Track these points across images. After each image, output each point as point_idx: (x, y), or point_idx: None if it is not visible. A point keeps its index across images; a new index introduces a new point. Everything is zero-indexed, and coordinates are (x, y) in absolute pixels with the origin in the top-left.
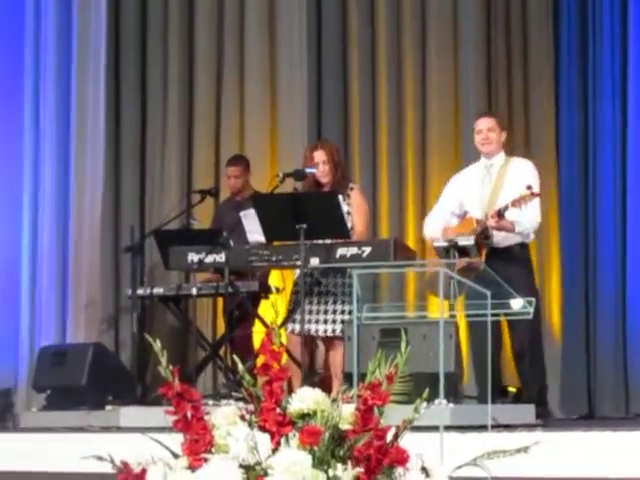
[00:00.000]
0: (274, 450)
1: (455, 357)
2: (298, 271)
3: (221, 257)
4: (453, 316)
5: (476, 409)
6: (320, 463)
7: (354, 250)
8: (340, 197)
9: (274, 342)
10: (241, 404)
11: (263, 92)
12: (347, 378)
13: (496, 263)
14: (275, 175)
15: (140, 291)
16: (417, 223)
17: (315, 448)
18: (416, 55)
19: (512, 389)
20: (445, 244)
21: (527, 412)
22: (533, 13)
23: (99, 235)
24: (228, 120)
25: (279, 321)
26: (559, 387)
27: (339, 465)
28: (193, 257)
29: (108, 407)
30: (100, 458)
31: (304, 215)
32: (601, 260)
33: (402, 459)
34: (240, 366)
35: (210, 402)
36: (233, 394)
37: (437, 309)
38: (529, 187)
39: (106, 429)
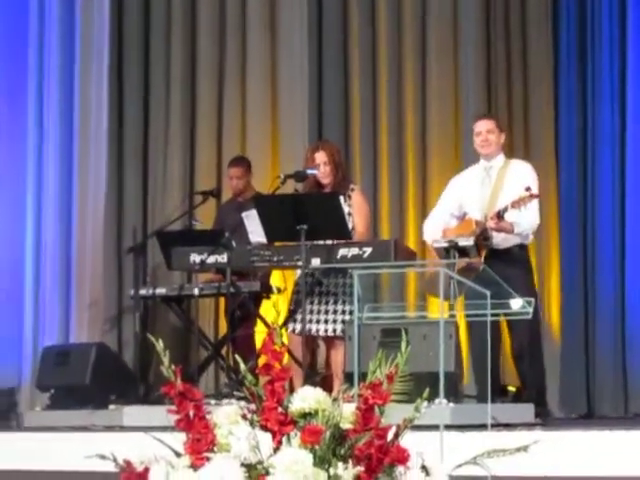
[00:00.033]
0: (276, 449)
1: (455, 357)
2: (299, 271)
3: (223, 257)
4: (453, 316)
5: (476, 408)
6: (321, 462)
7: (355, 251)
8: (341, 198)
9: (275, 342)
10: (243, 403)
11: (264, 94)
12: (348, 378)
13: (495, 264)
14: (276, 176)
15: (143, 291)
16: (417, 224)
17: (316, 447)
18: (416, 57)
19: (512, 389)
20: (445, 244)
21: (526, 411)
22: (532, 15)
23: (102, 236)
24: (230, 121)
25: (280, 321)
26: (558, 387)
27: (340, 464)
28: (195, 258)
29: (111, 406)
30: (103, 457)
31: (305, 216)
32: (600, 261)
33: (403, 458)
34: (242, 366)
35: (212, 401)
36: (235, 393)
37: (437, 309)
38: (528, 189)
39: (109, 428)
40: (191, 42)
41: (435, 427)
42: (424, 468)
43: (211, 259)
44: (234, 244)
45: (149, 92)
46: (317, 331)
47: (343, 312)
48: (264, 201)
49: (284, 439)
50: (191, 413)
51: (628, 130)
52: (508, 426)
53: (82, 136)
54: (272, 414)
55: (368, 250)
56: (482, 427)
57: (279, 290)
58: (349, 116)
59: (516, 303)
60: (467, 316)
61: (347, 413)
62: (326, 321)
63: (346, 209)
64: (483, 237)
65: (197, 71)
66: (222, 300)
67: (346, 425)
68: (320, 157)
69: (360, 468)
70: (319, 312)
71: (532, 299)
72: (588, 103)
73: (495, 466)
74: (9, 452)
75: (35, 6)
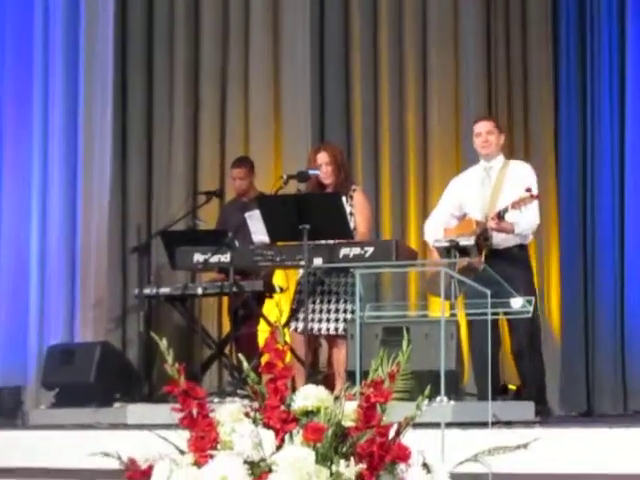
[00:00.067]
0: (278, 447)
1: (456, 355)
2: (302, 271)
3: (226, 257)
4: (454, 315)
5: (477, 406)
6: (323, 459)
7: (357, 250)
8: (343, 198)
9: (278, 341)
10: (246, 401)
11: (267, 95)
12: (350, 376)
13: (495, 263)
14: (279, 177)
15: (147, 291)
16: (418, 224)
17: (318, 445)
18: (417, 60)
19: (512, 387)
20: (446, 244)
21: (527, 409)
22: (532, 17)
23: (106, 235)
24: (233, 122)
25: (283, 320)
26: (559, 385)
27: (342, 461)
28: (199, 257)
29: (116, 404)
30: (108, 455)
31: (308, 216)
32: (600, 261)
33: (404, 455)
34: (245, 364)
35: (215, 399)
36: (238, 392)
37: (438, 308)
38: (529, 189)
39: (114, 426)
40: (194, 43)
41: (436, 425)
42: (425, 465)
43: (214, 259)
44: (237, 244)
45: (153, 92)
46: (319, 330)
47: (345, 311)
48: (267, 201)
49: (287, 437)
50: (195, 411)
51: (628, 131)
52: (509, 424)
53: (86, 136)
54: (275, 412)
55: (370, 250)
56: (483, 425)
57: (282, 289)
58: (351, 118)
59: (516, 302)
60: (468, 315)
61: (349, 411)
62: (328, 320)
63: (348, 209)
64: (483, 237)
65: (200, 73)
66: (225, 299)
67: (348, 423)
68: (322, 158)
69: (362, 465)
70: (321, 311)
71: (532, 298)
72: (588, 104)
73: (496, 463)
74: (15, 450)
75: (40, 7)
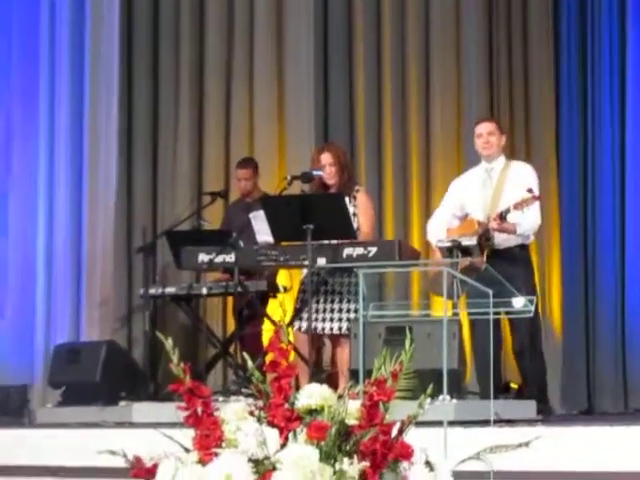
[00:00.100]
0: (282, 445)
1: (458, 354)
2: (305, 271)
3: (231, 257)
4: (456, 314)
5: (479, 405)
6: (327, 457)
7: (360, 250)
8: (346, 199)
9: (282, 340)
10: (250, 400)
11: (272, 96)
12: (353, 375)
13: (497, 263)
14: (283, 177)
15: (152, 290)
16: (421, 224)
17: (322, 443)
18: (420, 61)
19: (514, 385)
20: (448, 244)
21: (528, 407)
22: (534, 19)
23: (112, 236)
24: (237, 124)
25: (287, 319)
26: (560, 384)
27: (345, 459)
28: (204, 257)
29: (121, 403)
30: (113, 453)
31: (311, 216)
32: (600, 260)
33: (407, 453)
34: (249, 363)
35: (220, 398)
36: (243, 390)
37: (441, 308)
38: (530, 190)
39: (119, 424)
40: (199, 44)
41: (439, 423)
42: (428, 463)
43: (219, 259)
44: (241, 244)
45: (158, 93)
46: (323, 329)
47: (348, 310)
48: (271, 202)
49: (291, 435)
50: (199, 410)
51: (628, 133)
52: (510, 422)
53: (92, 138)
54: (279, 410)
55: (373, 250)
56: (485, 423)
57: (285, 289)
58: (354, 119)
59: (518, 302)
60: (470, 314)
61: (352, 409)
62: (332, 319)
63: (351, 209)
64: (485, 237)
65: (205, 74)
66: (230, 299)
67: (351, 421)
68: (326, 158)
69: (365, 463)
70: (325, 311)
71: (534, 297)
72: (589, 105)
73: (497, 461)
74: (21, 448)
75: (46, 7)
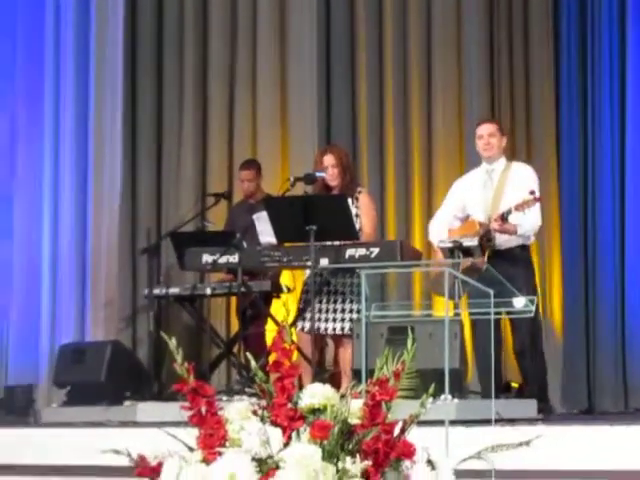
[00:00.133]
0: (285, 444)
1: (460, 354)
2: (308, 271)
3: (234, 258)
4: (458, 315)
5: (480, 404)
6: (330, 456)
7: (362, 251)
8: (349, 200)
9: (285, 340)
10: (254, 400)
11: (274, 98)
12: (356, 374)
13: (498, 264)
14: (286, 179)
15: (156, 291)
16: (423, 225)
17: (325, 442)
18: (422, 63)
19: (515, 385)
20: (450, 245)
21: (529, 407)
22: (534, 20)
23: (117, 237)
24: (241, 125)
25: (290, 320)
26: (560, 383)
27: (348, 458)
28: (207, 258)
29: (126, 403)
30: (118, 452)
31: (314, 217)
32: (601, 261)
33: (409, 452)
34: (253, 363)
35: (224, 398)
36: (246, 390)
37: (442, 308)
38: (532, 192)
39: (124, 424)
40: (203, 47)
41: (440, 422)
42: (430, 462)
43: (223, 259)
44: (245, 245)
45: (162, 96)
46: (325, 329)
47: (351, 311)
48: (274, 203)
49: (294, 434)
50: (203, 409)
51: (628, 133)
52: (511, 421)
53: (97, 141)
54: (282, 410)
55: (375, 250)
56: (486, 422)
57: (289, 289)
58: (357, 120)
59: (519, 302)
60: (471, 314)
61: (355, 409)
62: (334, 320)
63: (354, 211)
64: (486, 238)
65: (208, 76)
66: (233, 299)
67: (354, 420)
68: (328, 160)
69: (368, 462)
70: (327, 311)
71: (534, 297)
72: (589, 106)
73: (499, 460)
74: (27, 447)
75: (51, 10)
